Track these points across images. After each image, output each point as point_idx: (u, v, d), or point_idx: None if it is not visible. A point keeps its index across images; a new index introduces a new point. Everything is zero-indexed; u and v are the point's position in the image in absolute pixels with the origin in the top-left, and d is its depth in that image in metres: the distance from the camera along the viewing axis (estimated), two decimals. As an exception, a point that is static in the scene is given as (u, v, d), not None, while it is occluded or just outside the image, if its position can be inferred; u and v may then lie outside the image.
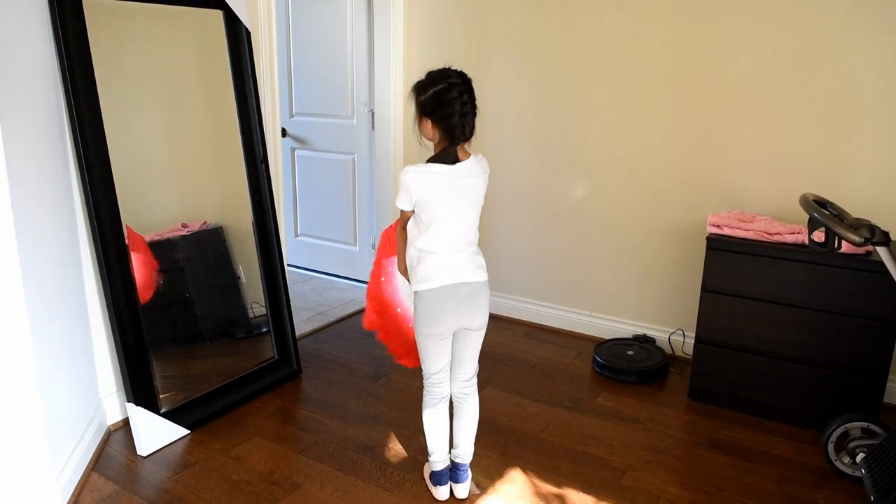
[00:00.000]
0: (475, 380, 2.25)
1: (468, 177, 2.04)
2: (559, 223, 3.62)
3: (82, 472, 2.33)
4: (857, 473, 2.36)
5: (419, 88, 2.01)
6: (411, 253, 2.13)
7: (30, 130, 2.10)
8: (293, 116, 4.40)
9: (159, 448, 2.51)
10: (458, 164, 2.01)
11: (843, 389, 2.61)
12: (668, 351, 3.34)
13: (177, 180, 2.80)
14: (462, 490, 2.28)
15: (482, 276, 2.12)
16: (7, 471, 2.07)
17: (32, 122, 2.12)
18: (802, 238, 2.62)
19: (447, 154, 2.01)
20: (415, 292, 2.11)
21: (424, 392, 2.23)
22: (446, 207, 2.03)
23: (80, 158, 2.32)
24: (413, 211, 2.07)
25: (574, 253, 3.61)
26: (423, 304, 2.09)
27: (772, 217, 2.91)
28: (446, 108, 1.95)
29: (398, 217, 2.19)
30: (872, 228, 1.98)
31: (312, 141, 4.38)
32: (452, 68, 2.02)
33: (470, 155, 2.05)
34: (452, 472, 2.28)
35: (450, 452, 2.28)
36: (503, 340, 3.57)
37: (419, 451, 2.53)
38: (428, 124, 2.00)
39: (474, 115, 2.01)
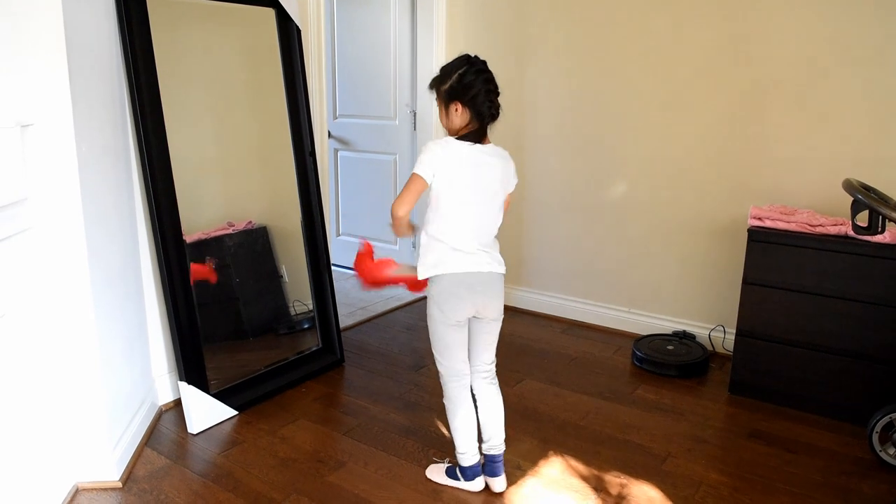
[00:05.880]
0: (494, 368, 2.21)
1: (495, 156, 2.03)
2: (597, 220, 3.64)
3: (136, 446, 2.42)
4: (904, 464, 2.33)
5: (441, 78, 2.00)
6: (423, 241, 2.09)
7: (97, 119, 2.21)
8: (336, 118, 4.52)
9: (209, 427, 2.59)
10: (484, 144, 2.02)
11: (888, 382, 2.58)
12: (709, 347, 3.33)
13: (224, 180, 2.89)
14: (500, 484, 2.20)
15: (500, 269, 2.10)
16: (68, 440, 2.19)
17: (100, 112, 2.23)
18: (846, 230, 2.61)
19: (474, 134, 2.00)
20: (429, 279, 2.07)
21: (447, 388, 2.16)
22: (469, 188, 2.00)
23: (143, 151, 2.42)
24: (429, 185, 1.99)
25: (612, 250, 3.63)
26: (438, 288, 2.06)
27: (814, 211, 2.90)
28: (475, 86, 1.95)
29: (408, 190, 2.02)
30: (917, 211, 1.97)
31: (355, 142, 4.48)
32: (466, 54, 2.02)
33: (491, 143, 2.05)
34: (487, 467, 2.20)
35: (480, 448, 2.20)
36: (542, 336, 3.60)
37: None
38: (457, 109, 1.98)
39: (498, 94, 2.01)
